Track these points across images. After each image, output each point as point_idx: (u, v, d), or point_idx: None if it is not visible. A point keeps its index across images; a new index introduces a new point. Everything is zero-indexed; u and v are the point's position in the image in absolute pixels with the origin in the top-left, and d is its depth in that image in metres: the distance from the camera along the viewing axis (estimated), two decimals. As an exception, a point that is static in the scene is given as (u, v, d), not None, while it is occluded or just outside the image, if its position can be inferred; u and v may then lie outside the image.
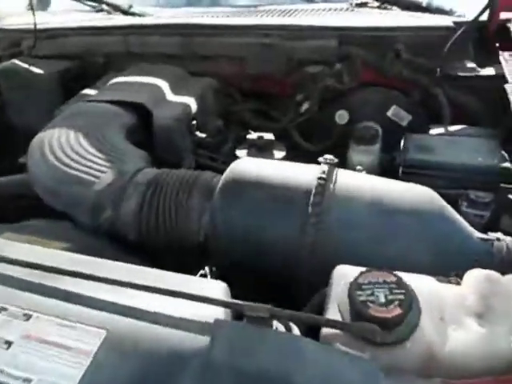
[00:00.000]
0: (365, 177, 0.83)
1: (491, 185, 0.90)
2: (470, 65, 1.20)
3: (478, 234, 0.75)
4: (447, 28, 1.21)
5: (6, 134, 1.39)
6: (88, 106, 1.14)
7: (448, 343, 0.54)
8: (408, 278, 0.58)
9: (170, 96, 1.19)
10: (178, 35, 1.35)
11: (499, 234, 0.75)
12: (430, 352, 0.53)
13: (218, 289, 0.60)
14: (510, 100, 0.97)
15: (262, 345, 0.50)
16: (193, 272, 1.02)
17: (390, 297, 0.54)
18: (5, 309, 0.56)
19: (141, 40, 1.39)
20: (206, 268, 1.02)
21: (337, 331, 0.54)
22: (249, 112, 1.37)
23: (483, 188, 0.90)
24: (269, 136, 1.11)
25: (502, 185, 0.87)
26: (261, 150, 1.10)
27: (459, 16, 1.32)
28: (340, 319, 0.55)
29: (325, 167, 0.78)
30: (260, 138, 1.10)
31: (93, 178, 0.88)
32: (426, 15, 1.31)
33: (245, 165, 0.84)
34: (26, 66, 1.39)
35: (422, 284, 0.59)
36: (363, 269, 0.59)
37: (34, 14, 1.38)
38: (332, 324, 0.52)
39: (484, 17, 1.20)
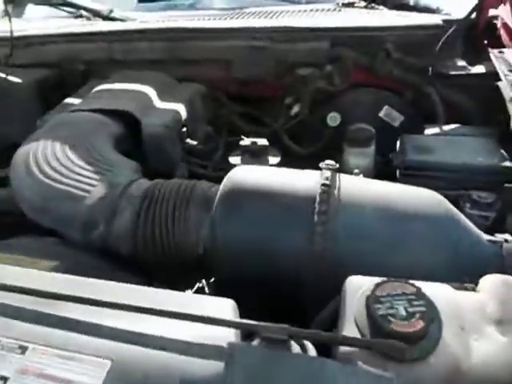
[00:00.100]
0: (368, 181, 0.80)
1: (493, 185, 0.89)
2: (461, 63, 1.20)
3: (486, 237, 0.74)
4: (437, 26, 1.20)
5: None
6: (72, 116, 1.09)
7: (471, 354, 0.52)
8: (424, 286, 0.56)
9: (158, 103, 1.15)
10: (163, 40, 1.31)
11: (507, 236, 0.74)
12: (455, 365, 0.51)
13: (226, 307, 0.57)
14: (504, 97, 0.96)
15: (282, 370, 0.46)
16: (189, 285, 0.98)
17: (411, 309, 0.52)
18: (-3, 341, 0.52)
19: (124, 46, 1.34)
20: (204, 281, 0.99)
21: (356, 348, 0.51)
22: (237, 117, 1.34)
23: (484, 188, 0.89)
24: (262, 141, 1.08)
25: (506, 185, 0.86)
26: (255, 155, 1.07)
27: (446, 14, 1.32)
28: (358, 334, 0.53)
29: (327, 173, 0.75)
30: (254, 143, 1.07)
31: (83, 193, 0.83)
32: (414, 14, 1.31)
33: (243, 173, 0.81)
34: (2, 75, 1.33)
35: (439, 293, 0.57)
36: (377, 279, 0.57)
37: (10, 21, 1.32)
38: (358, 344, 0.49)
39: (472, 14, 1.20)
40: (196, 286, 0.98)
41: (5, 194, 1.02)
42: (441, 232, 0.70)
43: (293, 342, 0.53)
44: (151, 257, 0.83)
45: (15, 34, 1.38)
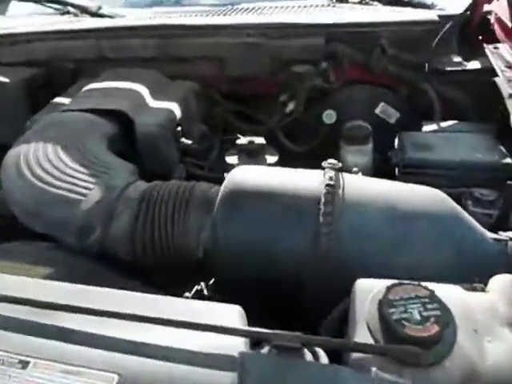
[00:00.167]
0: (370, 180, 0.79)
1: (493, 182, 0.88)
2: (456, 59, 1.19)
3: (490, 235, 0.73)
4: (433, 22, 1.20)
5: None
6: (63, 116, 1.05)
7: (485, 356, 0.51)
8: (434, 288, 0.55)
9: (151, 102, 1.12)
10: (155, 37, 1.28)
11: (511, 233, 0.73)
12: (470, 368, 0.50)
13: (234, 314, 0.55)
14: (502, 94, 0.96)
15: (296, 378, 0.45)
16: (187, 287, 0.96)
17: (425, 313, 0.51)
18: (-4, 356, 0.49)
19: (114, 43, 1.31)
20: (202, 283, 0.97)
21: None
22: (232, 115, 1.32)
23: (485, 185, 0.88)
24: (260, 140, 1.06)
25: (508, 182, 0.85)
26: (252, 155, 1.05)
27: (440, 10, 1.32)
28: (371, 339, 0.52)
29: (331, 173, 0.74)
30: (251, 142, 1.05)
31: (78, 196, 0.81)
32: (408, 9, 1.30)
33: (244, 174, 0.79)
34: (-12, 74, 1.29)
35: (450, 294, 0.56)
36: (387, 281, 0.56)
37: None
38: (372, 350, 0.48)
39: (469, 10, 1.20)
40: (194, 289, 0.96)
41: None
42: (445, 230, 0.69)
43: (305, 349, 0.52)
44: (150, 260, 0.81)
45: (0, 31, 1.34)
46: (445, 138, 1.01)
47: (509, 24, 1.03)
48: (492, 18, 1.25)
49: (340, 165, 0.78)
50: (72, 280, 0.61)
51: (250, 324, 0.53)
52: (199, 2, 1.59)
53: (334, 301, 0.65)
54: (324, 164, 0.78)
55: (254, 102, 1.34)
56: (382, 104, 1.23)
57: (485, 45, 1.15)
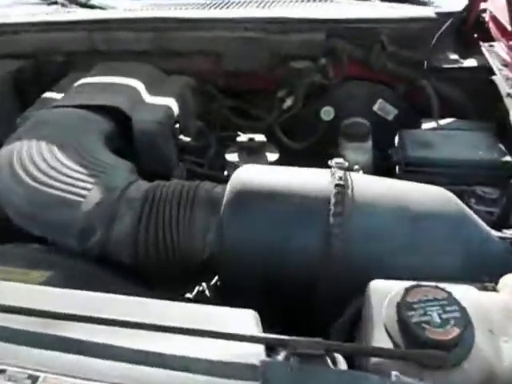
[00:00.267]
0: (377, 180, 0.79)
1: (494, 179, 0.89)
2: (453, 56, 1.19)
3: (496, 233, 0.74)
4: (431, 19, 1.19)
5: None
6: (55, 113, 1.02)
7: (502, 357, 0.52)
8: (448, 289, 0.55)
9: (148, 97, 1.09)
10: (149, 30, 1.25)
11: (515, 231, 0.74)
12: (488, 370, 0.50)
13: (250, 320, 0.54)
14: (500, 92, 0.96)
15: (318, 386, 0.44)
16: (189, 288, 0.95)
17: (444, 316, 0.51)
18: (3, 371, 0.45)
19: (107, 36, 1.27)
20: (204, 284, 0.96)
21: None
22: (229, 111, 1.29)
23: (486, 183, 0.89)
24: (260, 137, 1.04)
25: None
26: (252, 152, 1.03)
27: (436, 7, 1.32)
28: (389, 343, 0.51)
29: (340, 173, 0.73)
30: (251, 139, 1.03)
31: (77, 197, 0.78)
32: (406, 6, 1.29)
33: (250, 173, 0.78)
34: (-28, 67, 1.24)
35: (465, 295, 0.56)
36: (403, 283, 0.55)
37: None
38: (395, 355, 0.47)
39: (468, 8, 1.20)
40: (196, 290, 0.94)
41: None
42: (453, 230, 0.69)
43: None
44: (153, 262, 0.79)
45: (-15, 22, 1.29)
46: (445, 136, 1.01)
47: (508, 27, 1.03)
48: (487, 17, 1.26)
49: (347, 164, 0.77)
50: (70, 284, 0.58)
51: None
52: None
53: (343, 302, 0.65)
54: (331, 163, 0.77)
55: (251, 98, 1.32)
56: (379, 101, 1.23)
57: (481, 43, 1.16)
